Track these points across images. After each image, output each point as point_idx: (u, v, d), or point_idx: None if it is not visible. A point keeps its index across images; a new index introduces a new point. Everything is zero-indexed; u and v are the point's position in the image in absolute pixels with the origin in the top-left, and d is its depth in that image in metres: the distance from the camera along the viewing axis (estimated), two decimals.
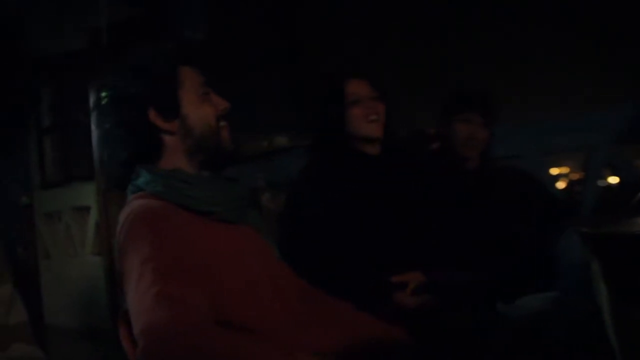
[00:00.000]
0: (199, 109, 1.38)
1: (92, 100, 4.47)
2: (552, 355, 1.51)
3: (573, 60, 2.99)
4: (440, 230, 1.90)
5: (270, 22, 3.46)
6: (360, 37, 3.22)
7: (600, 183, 2.74)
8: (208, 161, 1.39)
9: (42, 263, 5.16)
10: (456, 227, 1.93)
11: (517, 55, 3.08)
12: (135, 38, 3.87)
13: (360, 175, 1.89)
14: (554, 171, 2.85)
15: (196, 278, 1.19)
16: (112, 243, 4.32)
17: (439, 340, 1.57)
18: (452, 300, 1.73)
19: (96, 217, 4.63)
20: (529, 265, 1.95)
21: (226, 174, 1.44)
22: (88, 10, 4.02)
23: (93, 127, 4.51)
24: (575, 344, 1.48)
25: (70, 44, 4.50)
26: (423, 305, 1.74)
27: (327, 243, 1.78)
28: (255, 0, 3.50)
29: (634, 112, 2.63)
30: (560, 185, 2.82)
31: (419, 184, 1.97)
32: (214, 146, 1.38)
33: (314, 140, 2.03)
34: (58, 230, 5.08)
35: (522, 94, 3.02)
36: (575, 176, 2.90)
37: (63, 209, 5.00)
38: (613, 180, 2.75)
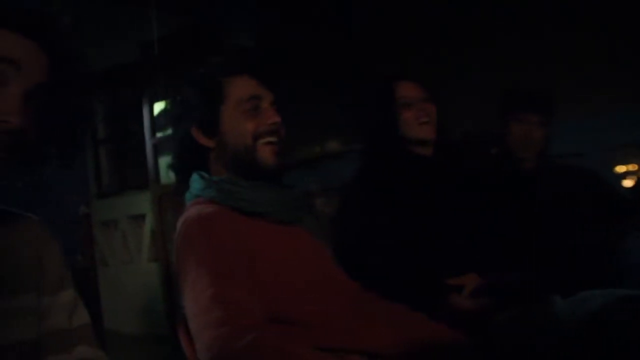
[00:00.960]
0: (238, 126, 1.39)
1: (144, 111, 4.62)
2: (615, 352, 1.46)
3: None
4: (497, 231, 1.86)
5: (322, 27, 3.47)
6: (411, 38, 3.20)
7: None
8: (247, 175, 1.40)
9: (100, 270, 5.29)
10: (513, 228, 1.89)
11: (574, 49, 2.98)
12: (186, 48, 3.95)
13: (414, 178, 1.87)
14: (621, 169, 2.74)
15: (251, 279, 1.22)
16: (167, 249, 4.41)
17: (495, 342, 1.54)
18: (509, 302, 1.70)
19: (151, 225, 4.72)
20: (591, 266, 1.89)
21: (277, 180, 1.45)
22: (139, 23, 4.13)
23: (146, 137, 4.64)
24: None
25: (123, 56, 4.64)
26: (480, 308, 1.70)
27: (382, 246, 1.77)
28: (306, 2, 3.51)
29: None
30: (628, 183, 2.70)
31: (474, 185, 1.94)
32: (249, 163, 1.39)
33: (366, 144, 2.02)
34: (115, 238, 5.19)
35: (583, 87, 2.90)
36: None
37: (119, 218, 5.12)
38: None
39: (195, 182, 1.41)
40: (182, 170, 1.47)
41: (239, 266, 1.23)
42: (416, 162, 1.91)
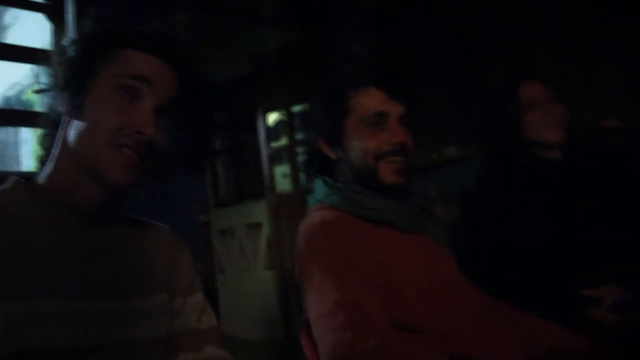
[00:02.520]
0: (361, 142, 1.37)
1: (260, 122, 4.76)
2: None
3: None
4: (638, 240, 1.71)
5: (435, 32, 3.40)
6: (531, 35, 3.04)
7: None
8: (370, 187, 1.38)
9: (218, 277, 5.47)
10: None
11: None
12: (300, 60, 4.03)
13: (542, 183, 1.77)
14: None
15: (375, 286, 1.21)
16: (283, 257, 4.49)
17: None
18: None
19: (267, 233, 4.83)
20: None
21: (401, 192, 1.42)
22: (254, 36, 4.25)
23: (262, 147, 4.78)
24: None
25: (238, 69, 4.80)
26: (621, 322, 1.57)
27: (509, 255, 1.68)
28: (418, 8, 3.45)
29: None
30: None
31: (607, 189, 1.80)
32: (371, 180, 1.37)
33: (489, 148, 1.94)
34: (232, 246, 5.36)
35: None
36: None
37: (236, 226, 5.27)
38: None
39: (320, 187, 1.42)
40: (309, 174, 1.49)
41: (363, 272, 1.21)
42: (543, 167, 1.81)
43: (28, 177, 1.05)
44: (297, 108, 4.49)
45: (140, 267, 1.07)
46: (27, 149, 4.65)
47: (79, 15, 2.41)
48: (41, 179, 1.03)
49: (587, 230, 1.67)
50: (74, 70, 1.01)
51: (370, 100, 1.37)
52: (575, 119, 1.84)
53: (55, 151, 1.04)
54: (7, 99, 4.79)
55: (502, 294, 1.42)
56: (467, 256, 1.57)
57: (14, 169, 5.27)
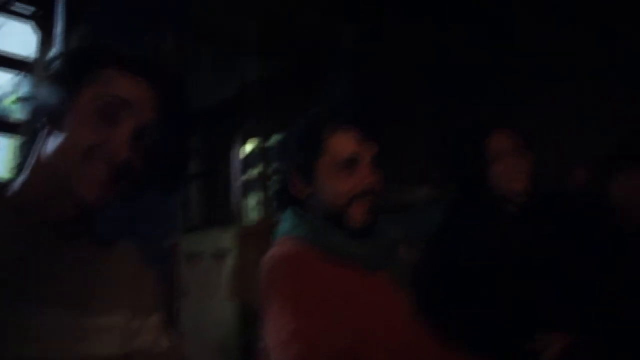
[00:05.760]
0: (332, 184, 1.40)
1: (235, 151, 4.77)
2: None
3: None
4: (591, 290, 1.77)
5: (413, 74, 3.49)
6: (505, 86, 3.14)
7: None
8: (338, 226, 1.41)
9: (182, 302, 5.39)
10: (610, 288, 1.79)
11: None
12: (282, 92, 4.09)
13: (503, 232, 1.82)
14: None
15: (331, 320, 1.24)
16: (247, 287, 4.46)
17: None
18: None
19: (234, 261, 4.80)
20: None
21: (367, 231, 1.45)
22: (237, 64, 4.30)
23: (235, 175, 4.78)
24: None
25: (220, 95, 4.83)
26: None
27: (464, 299, 1.72)
28: (403, 53, 3.54)
29: None
30: None
31: (567, 242, 1.86)
32: (340, 219, 1.40)
33: (455, 194, 1.98)
34: (198, 272, 5.30)
35: None
36: None
37: (204, 252, 5.22)
38: None
39: (288, 218, 1.44)
40: (278, 206, 1.51)
41: (321, 306, 1.24)
42: (506, 215, 1.86)
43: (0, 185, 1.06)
44: (274, 139, 4.52)
45: (103, 284, 1.07)
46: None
47: (68, 29, 2.43)
48: (14, 188, 1.04)
49: (542, 278, 1.72)
50: (58, 84, 1.04)
51: (344, 144, 1.41)
52: (546, 165, 1.89)
53: (31, 161, 1.05)
54: None
55: (453, 338, 1.45)
56: (424, 297, 1.60)
57: None
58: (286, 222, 1.45)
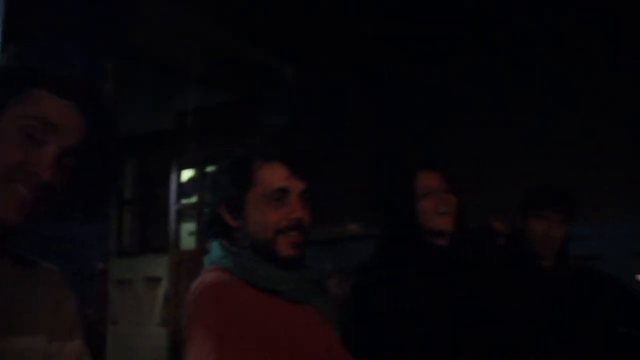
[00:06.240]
0: (261, 216, 1.41)
1: (172, 178, 4.73)
2: None
3: None
4: (510, 326, 1.84)
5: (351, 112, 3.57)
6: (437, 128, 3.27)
7: None
8: (266, 258, 1.41)
9: (110, 329, 5.23)
10: (527, 323, 1.87)
11: (600, 151, 3.00)
12: (218, 122, 4.10)
13: (428, 267, 1.87)
14: None
15: (255, 352, 1.25)
16: (179, 315, 4.38)
17: None
18: None
19: (166, 289, 4.72)
20: None
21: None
22: (176, 94, 4.30)
23: (171, 203, 4.73)
24: None
25: (158, 124, 4.80)
26: None
27: (390, 333, 1.76)
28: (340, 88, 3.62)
29: None
30: None
31: (488, 279, 1.93)
32: (267, 253, 1.41)
33: (384, 230, 2.03)
34: (129, 298, 5.18)
35: (606, 191, 2.89)
36: None
37: (135, 278, 5.12)
38: None
39: (215, 249, 1.45)
40: (209, 236, 1.51)
41: (244, 336, 1.25)
42: (431, 252, 1.91)
43: None
44: (210, 168, 4.51)
45: (21, 307, 1.05)
46: None
47: (2, 47, 2.38)
48: None
49: (465, 313, 1.78)
50: None
51: (273, 176, 1.42)
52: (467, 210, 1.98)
53: None
54: None
55: None
56: (351, 331, 1.62)
57: None
58: (214, 253, 1.46)
